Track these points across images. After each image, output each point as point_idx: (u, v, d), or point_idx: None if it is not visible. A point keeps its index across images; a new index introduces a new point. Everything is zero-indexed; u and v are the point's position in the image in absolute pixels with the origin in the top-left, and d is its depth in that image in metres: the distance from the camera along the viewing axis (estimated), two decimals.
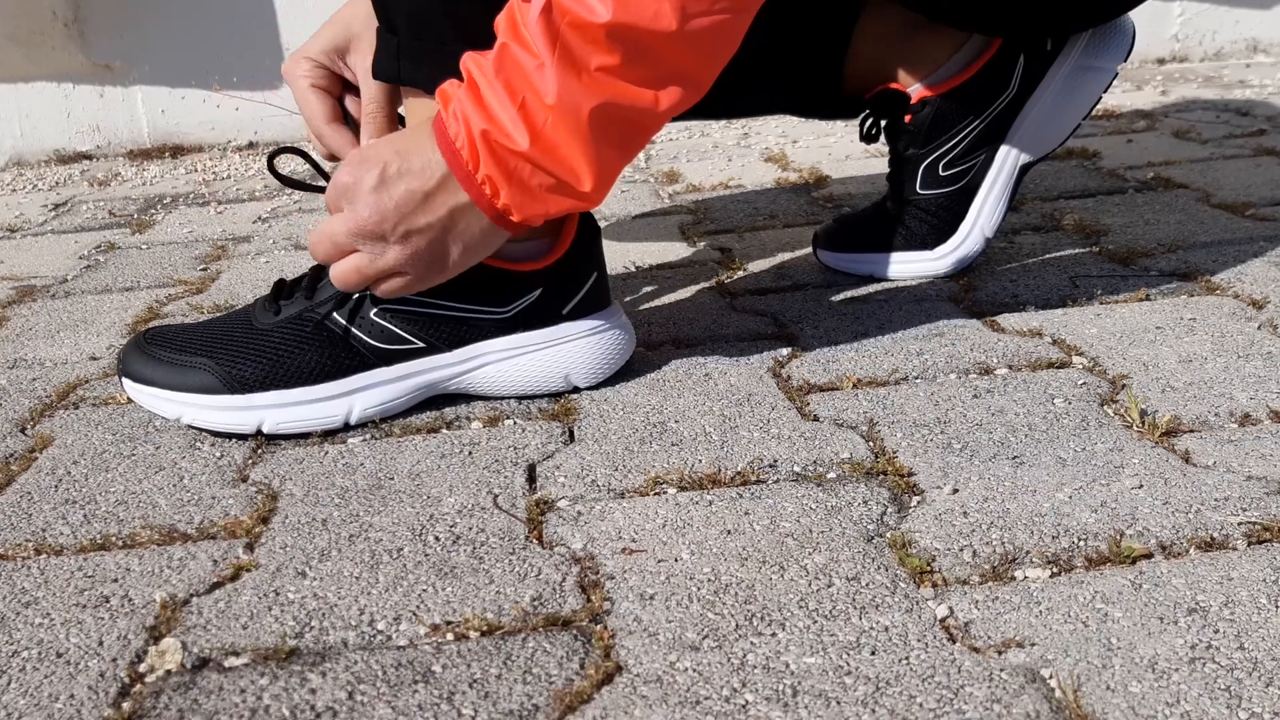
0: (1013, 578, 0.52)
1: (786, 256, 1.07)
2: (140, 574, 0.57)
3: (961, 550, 0.54)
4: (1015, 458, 0.63)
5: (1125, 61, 0.93)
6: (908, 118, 0.93)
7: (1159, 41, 2.10)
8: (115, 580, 0.56)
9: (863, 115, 0.96)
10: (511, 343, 0.75)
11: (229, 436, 0.73)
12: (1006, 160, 0.92)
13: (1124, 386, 0.72)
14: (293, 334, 0.72)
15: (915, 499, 0.59)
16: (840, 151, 1.57)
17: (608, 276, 0.78)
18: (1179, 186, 1.21)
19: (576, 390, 0.77)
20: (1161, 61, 2.11)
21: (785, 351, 0.82)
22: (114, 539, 0.61)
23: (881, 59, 0.93)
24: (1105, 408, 0.69)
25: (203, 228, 1.39)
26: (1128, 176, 1.28)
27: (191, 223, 1.42)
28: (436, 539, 0.59)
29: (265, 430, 0.71)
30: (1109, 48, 0.92)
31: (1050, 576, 0.52)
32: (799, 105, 0.99)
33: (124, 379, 0.74)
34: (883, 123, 0.95)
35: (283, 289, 0.75)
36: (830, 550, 0.55)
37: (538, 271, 0.74)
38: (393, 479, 0.66)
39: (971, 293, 0.92)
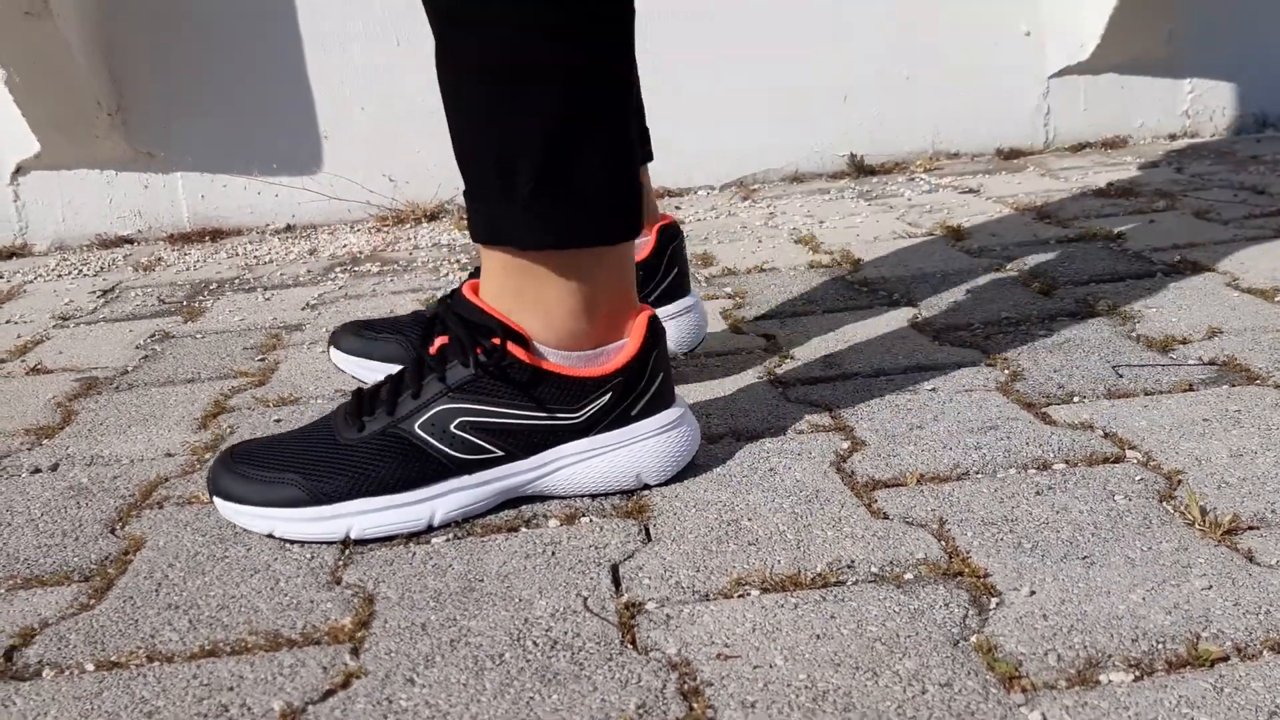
0: (1098, 682, 0.54)
1: (831, 344, 1.10)
2: (254, 681, 0.59)
3: (1046, 654, 0.57)
4: (1085, 557, 0.66)
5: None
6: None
7: (1170, 117, 2.15)
8: (231, 689, 0.59)
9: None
10: (585, 445, 0.78)
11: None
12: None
13: (1180, 482, 0.75)
14: (377, 449, 0.75)
15: (994, 601, 0.62)
16: (868, 233, 1.61)
17: (672, 375, 0.82)
18: (1206, 270, 1.25)
19: (648, 487, 0.80)
20: (1173, 137, 2.16)
21: (845, 445, 0.85)
22: (222, 645, 0.63)
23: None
24: (1165, 504, 0.72)
25: (253, 315, 1.43)
26: (1154, 259, 1.31)
27: (241, 309, 1.46)
28: (535, 644, 0.61)
29: (353, 536, 0.74)
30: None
31: (1134, 680, 0.54)
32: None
33: (215, 498, 0.77)
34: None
35: (362, 403, 0.78)
36: (920, 655, 0.57)
37: (607, 376, 0.78)
38: (482, 581, 0.68)
39: (1017, 382, 0.95)
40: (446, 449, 0.76)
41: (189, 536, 0.78)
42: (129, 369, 1.22)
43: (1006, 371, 0.98)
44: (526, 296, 0.76)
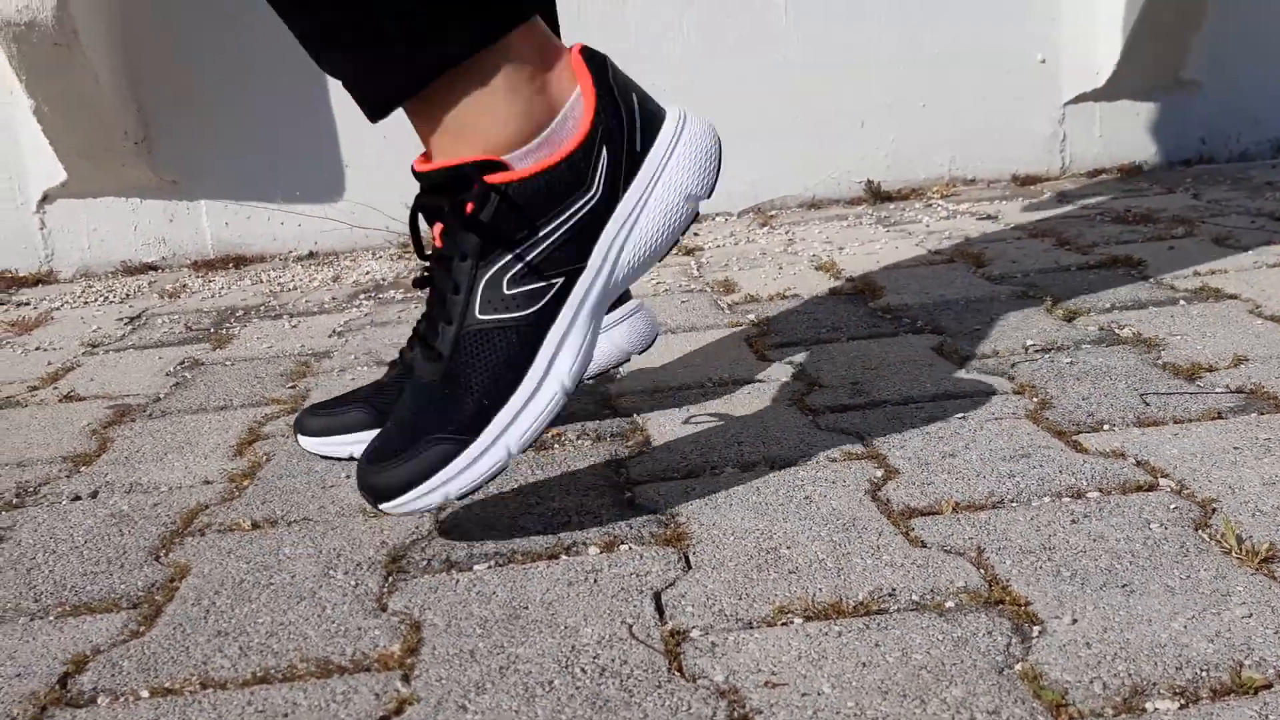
0: (1144, 710, 0.55)
1: (858, 371, 1.11)
2: (309, 709, 0.60)
3: (1091, 682, 0.57)
4: (1125, 586, 0.66)
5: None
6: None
7: (1185, 144, 2.17)
8: (285, 715, 0.60)
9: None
10: (623, 212, 0.75)
11: (361, 562, 0.76)
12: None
13: (1214, 511, 0.75)
14: (468, 361, 0.73)
15: (1036, 629, 0.63)
16: (888, 259, 1.62)
17: (642, 89, 0.77)
18: (1229, 297, 1.26)
19: (702, 199, 0.76)
20: (1189, 163, 2.17)
21: (879, 473, 0.85)
22: (274, 672, 0.64)
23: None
24: (1200, 533, 0.72)
25: (280, 342, 1.44)
26: (1176, 286, 1.32)
27: (268, 337, 1.47)
28: (583, 671, 0.62)
29: (513, 450, 0.73)
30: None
31: (1179, 709, 0.55)
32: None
33: (380, 503, 0.74)
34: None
35: (423, 337, 0.76)
36: (966, 683, 0.58)
37: (586, 136, 0.74)
38: (527, 608, 0.69)
39: (1046, 410, 0.96)
40: (519, 311, 0.72)
41: (233, 563, 0.79)
42: (161, 396, 1.24)
43: (1035, 399, 0.99)
44: (464, 129, 0.73)
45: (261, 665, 0.65)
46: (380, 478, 0.75)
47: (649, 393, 1.10)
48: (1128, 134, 2.15)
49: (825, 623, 0.65)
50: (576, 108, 0.75)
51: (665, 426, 1.00)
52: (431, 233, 0.78)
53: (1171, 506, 0.76)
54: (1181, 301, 1.26)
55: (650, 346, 1.08)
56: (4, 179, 1.95)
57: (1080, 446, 0.88)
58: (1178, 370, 1.03)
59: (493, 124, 0.73)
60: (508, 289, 0.72)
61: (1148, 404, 0.96)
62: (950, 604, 0.66)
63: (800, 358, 1.18)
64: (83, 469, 1.02)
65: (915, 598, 0.67)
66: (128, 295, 1.83)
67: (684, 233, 0.78)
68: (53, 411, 1.22)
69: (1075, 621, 0.63)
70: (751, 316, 1.37)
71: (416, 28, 0.71)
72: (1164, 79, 2.12)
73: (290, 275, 1.88)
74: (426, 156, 0.76)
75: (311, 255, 2.01)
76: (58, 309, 1.77)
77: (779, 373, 1.13)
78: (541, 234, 0.73)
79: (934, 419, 0.96)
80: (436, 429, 0.73)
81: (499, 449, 0.73)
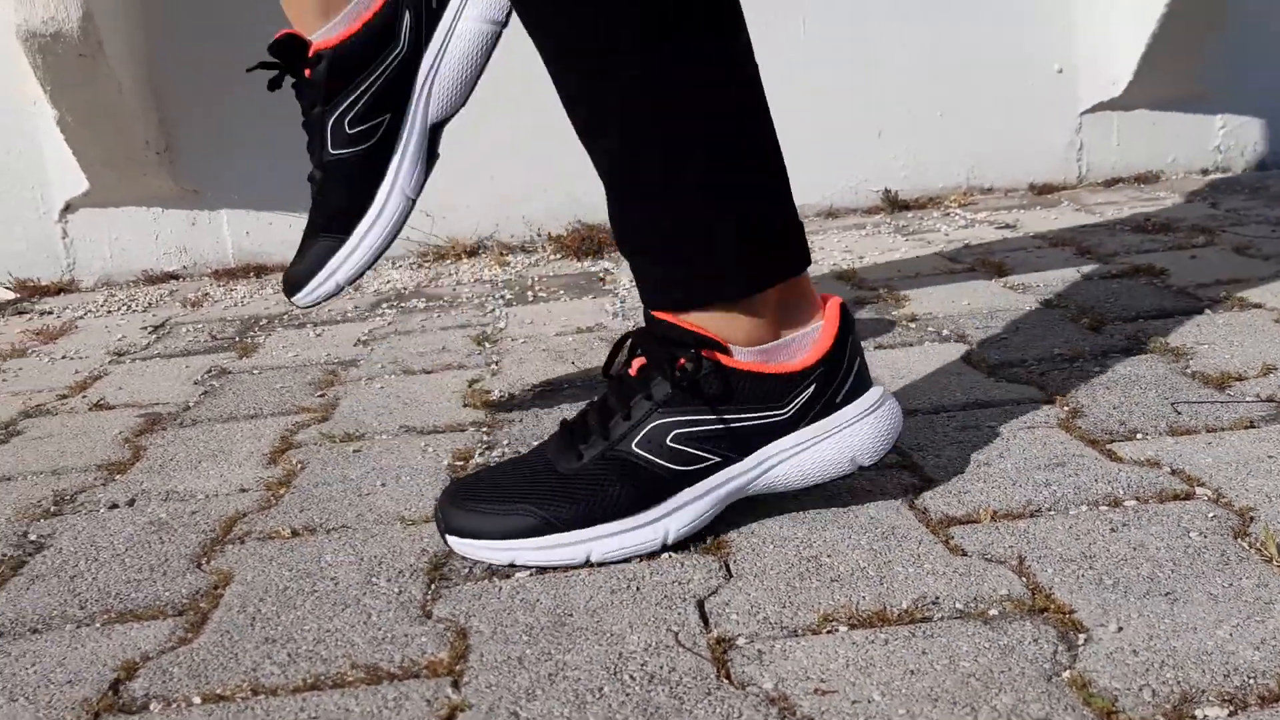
0: (1194, 716, 0.55)
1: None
2: (360, 715, 0.61)
3: (1140, 690, 0.58)
4: (1168, 594, 0.67)
5: (509, 17, 0.95)
6: (307, 72, 0.96)
7: (1203, 153, 2.17)
8: None
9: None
10: (796, 439, 0.80)
11: (403, 569, 0.77)
12: (415, 119, 0.97)
13: (1252, 519, 0.76)
14: (601, 474, 0.78)
15: (1082, 637, 0.63)
16: (909, 268, 1.62)
17: (866, 361, 0.84)
18: (1254, 306, 1.26)
19: (863, 469, 0.81)
20: (1205, 172, 2.18)
21: (915, 481, 0.86)
22: (324, 679, 0.65)
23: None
24: (1240, 541, 0.73)
25: (306, 351, 1.45)
26: (1201, 296, 1.33)
27: (294, 346, 1.48)
28: (632, 678, 0.62)
29: (594, 560, 0.77)
30: (493, 4, 0.96)
31: (1229, 715, 0.55)
32: None
33: (449, 537, 0.79)
34: (289, 79, 0.99)
35: (574, 432, 0.81)
36: (1015, 691, 0.58)
37: (809, 369, 0.80)
38: (571, 615, 0.70)
39: (1078, 419, 0.97)
40: (667, 463, 0.78)
41: (275, 571, 0.79)
42: (190, 404, 1.25)
43: (1066, 408, 0.99)
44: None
45: (311, 672, 0.66)
46: (462, 515, 0.79)
47: None
48: (1145, 143, 2.16)
49: (871, 630, 0.65)
50: (810, 344, 0.82)
51: None
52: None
53: (1209, 515, 0.76)
54: (1206, 311, 1.26)
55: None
56: (27, 188, 1.96)
57: (1114, 455, 0.88)
58: (1207, 379, 1.04)
59: (744, 316, 0.81)
60: (671, 442, 0.78)
61: (1179, 413, 0.96)
62: (994, 612, 0.66)
63: None
64: (118, 477, 1.03)
65: (959, 606, 0.67)
66: (150, 304, 1.84)
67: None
68: (84, 420, 1.22)
69: (1121, 629, 0.63)
70: None
71: (795, 224, 0.83)
72: (1181, 88, 2.13)
73: None
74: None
75: None
76: (81, 318, 1.78)
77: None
78: (726, 418, 0.79)
79: (966, 427, 0.96)
80: (538, 508, 0.78)
81: (579, 551, 0.77)
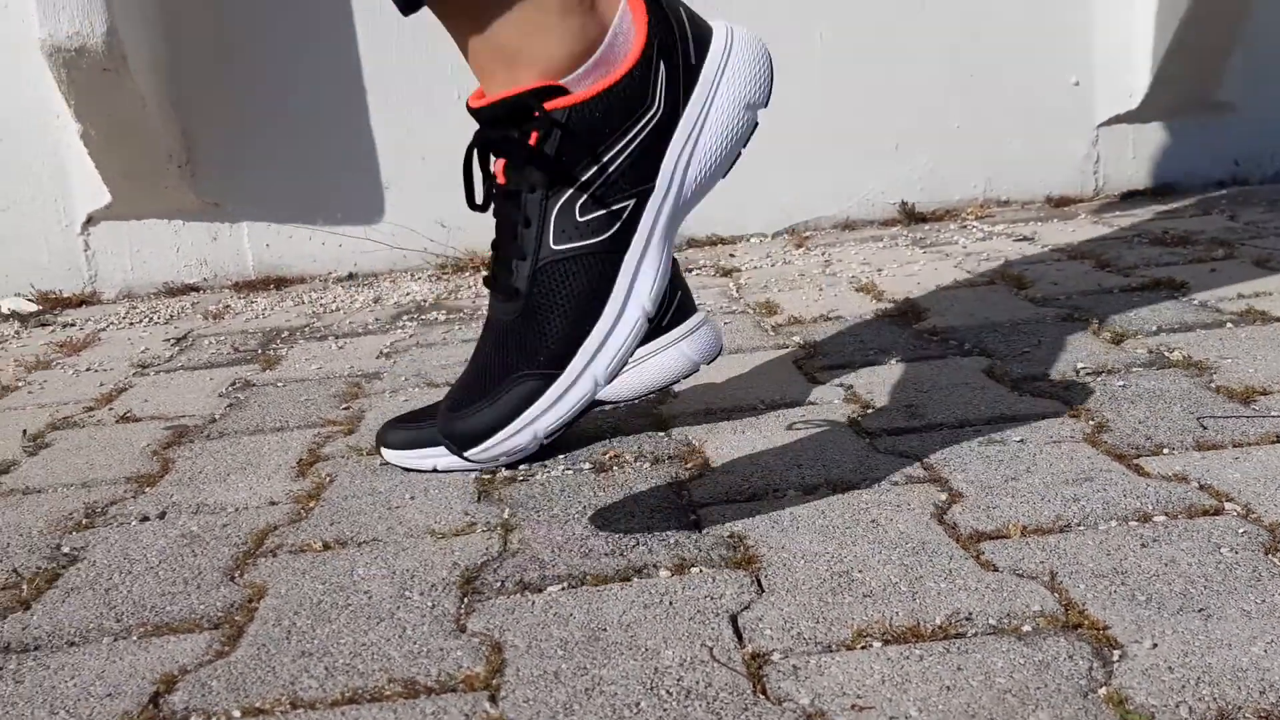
0: None
1: (911, 394, 1.12)
2: None
3: (1178, 706, 0.58)
4: (1201, 610, 0.67)
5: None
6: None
7: (1220, 165, 2.17)
8: None
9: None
10: (686, 126, 0.76)
11: (436, 583, 0.78)
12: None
13: None
14: (549, 293, 0.73)
15: (1116, 653, 0.63)
16: (928, 281, 1.63)
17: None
18: (1276, 320, 1.26)
19: (765, 105, 0.79)
20: (1222, 184, 2.18)
21: (942, 496, 0.86)
22: (362, 692, 0.65)
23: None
24: (1271, 557, 0.73)
25: (329, 363, 1.46)
26: (1222, 309, 1.33)
27: (317, 358, 1.49)
28: (669, 693, 0.63)
29: (601, 380, 0.75)
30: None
31: None
32: None
33: (465, 453, 0.74)
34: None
35: (497, 277, 0.77)
36: (1052, 707, 0.59)
37: (641, 54, 0.75)
38: (605, 630, 0.70)
39: (1104, 433, 0.97)
40: (594, 239, 0.71)
41: (309, 584, 0.80)
42: (216, 417, 1.26)
43: (1091, 423, 0.99)
44: (518, 55, 0.71)
45: (349, 685, 0.66)
46: (465, 423, 0.72)
47: (702, 414, 1.11)
48: (1161, 156, 2.16)
49: (905, 646, 0.66)
50: (625, 22, 0.74)
51: (722, 449, 1.01)
52: (494, 168, 0.77)
53: (1240, 530, 0.77)
54: (1229, 324, 1.27)
55: (718, 357, 1.03)
56: (50, 201, 1.98)
57: (1141, 470, 0.88)
58: (1231, 394, 1.04)
59: (546, 46, 0.71)
60: (580, 216, 0.71)
61: (1205, 427, 0.96)
62: (1027, 628, 0.67)
63: (850, 380, 1.19)
64: (147, 490, 1.04)
65: (992, 621, 0.68)
66: (171, 316, 1.85)
67: (745, 144, 0.78)
68: (111, 432, 1.23)
69: (1155, 646, 0.63)
70: (797, 338, 1.38)
71: None
72: (1198, 101, 2.13)
73: (332, 296, 1.90)
74: (480, 93, 0.75)
75: (351, 276, 2.03)
76: (104, 330, 1.80)
77: (830, 395, 1.14)
78: (608, 157, 0.71)
79: (992, 442, 0.97)
80: (520, 366, 0.71)
81: (587, 379, 0.72)
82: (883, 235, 2.03)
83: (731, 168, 0.79)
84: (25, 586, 0.84)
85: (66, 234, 1.99)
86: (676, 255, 0.88)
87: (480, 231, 2.04)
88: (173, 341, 1.67)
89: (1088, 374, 1.13)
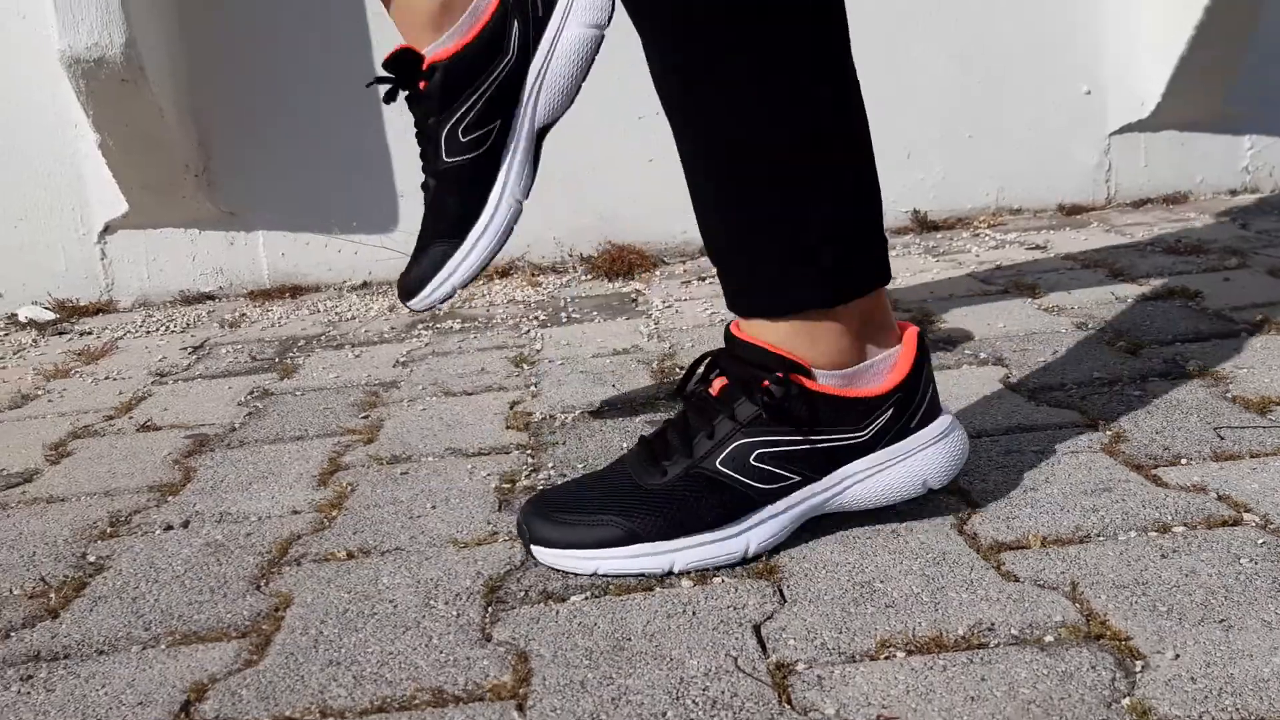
0: None
1: None
2: None
3: (1201, 717, 0.58)
4: (1222, 621, 0.67)
5: (610, 19, 1.00)
6: (422, 85, 0.99)
7: (1231, 173, 2.18)
8: None
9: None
10: (872, 460, 0.83)
11: (460, 592, 0.78)
12: (523, 125, 1.00)
13: None
14: (686, 489, 0.81)
15: (1138, 664, 0.64)
16: (942, 290, 1.63)
17: (938, 388, 0.87)
18: None
19: (932, 491, 0.84)
20: (1234, 192, 2.18)
21: (963, 506, 0.87)
22: (390, 701, 0.66)
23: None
24: None
25: (347, 372, 1.47)
26: (1236, 319, 1.33)
27: (334, 367, 1.50)
28: (695, 703, 0.63)
29: (676, 569, 0.79)
30: (594, 8, 1.00)
31: None
32: None
33: (534, 546, 0.82)
34: (403, 92, 1.02)
35: (655, 449, 0.83)
36: (1075, 717, 0.59)
37: (886, 394, 0.83)
38: (630, 640, 0.71)
39: (1121, 443, 0.97)
40: (751, 481, 0.80)
41: (334, 593, 0.81)
42: (236, 426, 1.27)
43: (1108, 433, 1.00)
44: (797, 329, 0.82)
45: (377, 694, 0.67)
46: (547, 525, 0.82)
47: None
48: (1173, 164, 2.16)
49: (928, 657, 0.66)
50: (887, 370, 0.84)
51: None
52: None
53: (1259, 541, 0.77)
54: (1243, 334, 1.27)
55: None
56: (68, 210, 1.99)
57: (1160, 480, 0.89)
58: (1248, 404, 1.04)
59: (826, 340, 0.83)
60: (754, 461, 0.81)
61: (1222, 438, 0.97)
62: (1050, 638, 0.67)
63: None
64: (170, 498, 1.05)
65: (1014, 632, 0.68)
66: (188, 324, 1.87)
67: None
68: (132, 441, 1.24)
69: (1178, 656, 0.64)
70: None
71: (881, 234, 0.85)
72: (1209, 110, 2.13)
73: (347, 305, 1.91)
74: (739, 324, 0.85)
75: (365, 285, 2.04)
76: (121, 338, 1.81)
77: None
78: (808, 439, 0.82)
79: (1010, 452, 0.97)
80: (624, 518, 0.81)
81: (663, 560, 0.80)
82: (895, 243, 2.03)
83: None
84: (53, 595, 0.85)
85: (84, 243, 2.01)
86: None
87: None
88: (190, 350, 1.68)
89: (1103, 384, 1.14)
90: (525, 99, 0.99)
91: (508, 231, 1.02)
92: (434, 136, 1.00)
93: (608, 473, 0.85)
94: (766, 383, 0.80)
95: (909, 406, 0.83)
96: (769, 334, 0.81)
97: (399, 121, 2.00)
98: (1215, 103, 2.13)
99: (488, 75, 0.98)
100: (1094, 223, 2.04)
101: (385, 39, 1.95)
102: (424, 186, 1.04)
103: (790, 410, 0.80)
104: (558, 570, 0.81)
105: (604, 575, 0.79)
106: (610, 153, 1.98)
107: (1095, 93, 2.12)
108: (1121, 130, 2.13)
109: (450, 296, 1.03)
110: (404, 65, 0.99)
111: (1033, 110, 2.11)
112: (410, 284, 1.04)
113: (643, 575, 0.79)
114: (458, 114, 0.98)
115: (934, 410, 0.85)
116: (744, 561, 0.80)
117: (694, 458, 0.81)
